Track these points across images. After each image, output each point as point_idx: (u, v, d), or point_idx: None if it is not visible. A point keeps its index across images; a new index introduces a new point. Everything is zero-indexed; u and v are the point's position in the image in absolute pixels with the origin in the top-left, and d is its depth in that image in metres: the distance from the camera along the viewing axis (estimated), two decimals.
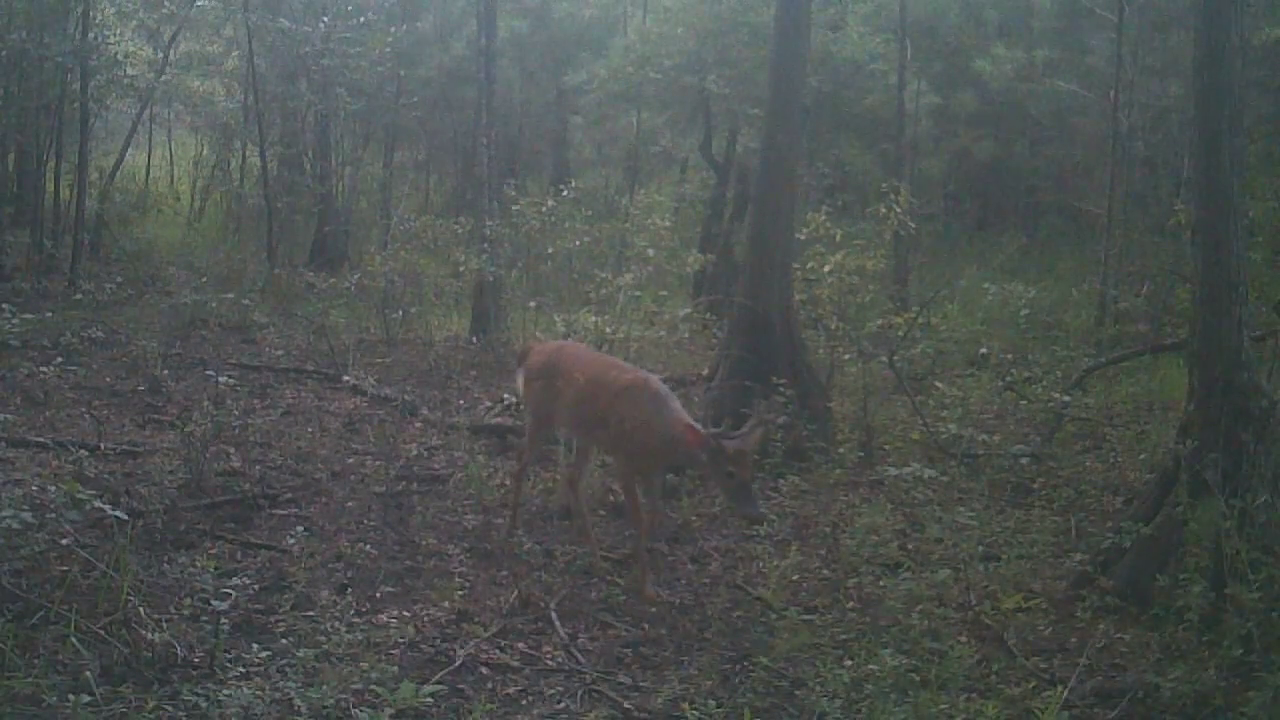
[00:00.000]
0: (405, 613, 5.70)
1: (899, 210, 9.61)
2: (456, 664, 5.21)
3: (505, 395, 9.72)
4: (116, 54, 15.05)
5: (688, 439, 6.00)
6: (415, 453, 8.25)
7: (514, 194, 13.06)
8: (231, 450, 7.93)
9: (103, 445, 7.75)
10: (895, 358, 9.12)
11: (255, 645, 5.07)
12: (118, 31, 16.53)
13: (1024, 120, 16.73)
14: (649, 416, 6.24)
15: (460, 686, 5.03)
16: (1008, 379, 9.46)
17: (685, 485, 7.65)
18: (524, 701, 4.99)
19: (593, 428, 6.57)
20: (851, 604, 5.97)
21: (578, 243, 12.38)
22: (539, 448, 7.27)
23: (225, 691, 4.57)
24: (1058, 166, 16.96)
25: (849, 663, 5.17)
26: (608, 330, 10.22)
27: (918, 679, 4.79)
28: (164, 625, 5.12)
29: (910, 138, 15.06)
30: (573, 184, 14.19)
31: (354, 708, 4.55)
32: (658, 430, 6.19)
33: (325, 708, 4.54)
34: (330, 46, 15.50)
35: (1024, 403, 8.75)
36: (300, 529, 6.55)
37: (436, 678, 5.02)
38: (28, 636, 4.88)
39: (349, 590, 5.87)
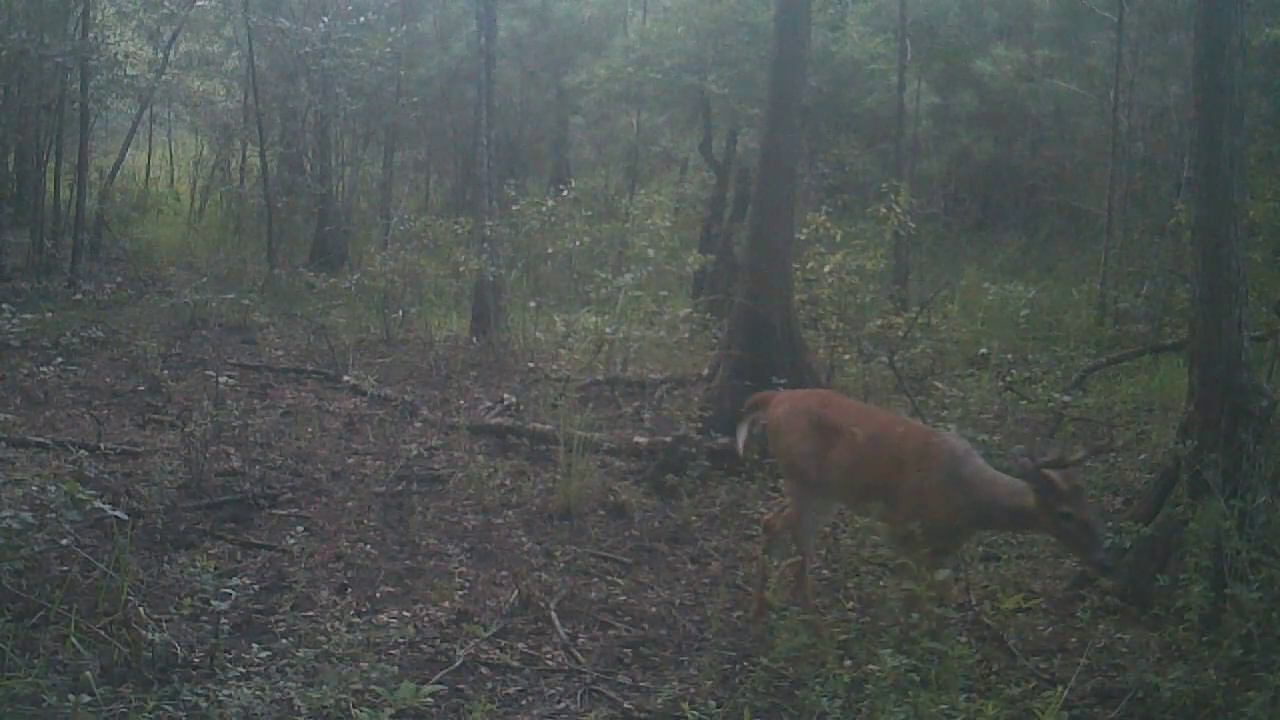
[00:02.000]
0: (405, 613, 5.70)
1: (899, 210, 9.61)
2: (456, 664, 5.21)
3: (505, 395, 9.73)
4: (116, 54, 15.08)
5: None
6: (415, 453, 8.25)
7: (514, 194, 13.07)
8: (231, 450, 7.93)
9: (103, 445, 7.76)
10: (895, 358, 9.11)
11: (255, 645, 5.07)
12: (118, 31, 16.58)
13: (1024, 120, 16.75)
14: (953, 482, 5.22)
15: (460, 686, 5.03)
16: (1008, 379, 9.46)
17: (686, 485, 7.64)
18: (524, 701, 4.99)
19: (872, 498, 5.56)
20: (851, 604, 5.96)
21: (578, 243, 12.40)
22: (815, 527, 6.00)
23: (225, 691, 4.57)
24: (1058, 166, 16.97)
25: (849, 663, 5.17)
26: (608, 330, 10.22)
27: (918, 679, 4.79)
28: (164, 625, 5.12)
29: (910, 138, 15.06)
30: (573, 184, 14.22)
31: (354, 708, 4.54)
32: (963, 498, 5.18)
33: (325, 708, 4.54)
34: (330, 46, 15.51)
35: (1024, 403, 8.74)
36: (300, 529, 6.55)
37: (436, 678, 5.03)
38: (28, 636, 4.88)
39: (349, 590, 5.88)
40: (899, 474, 5.34)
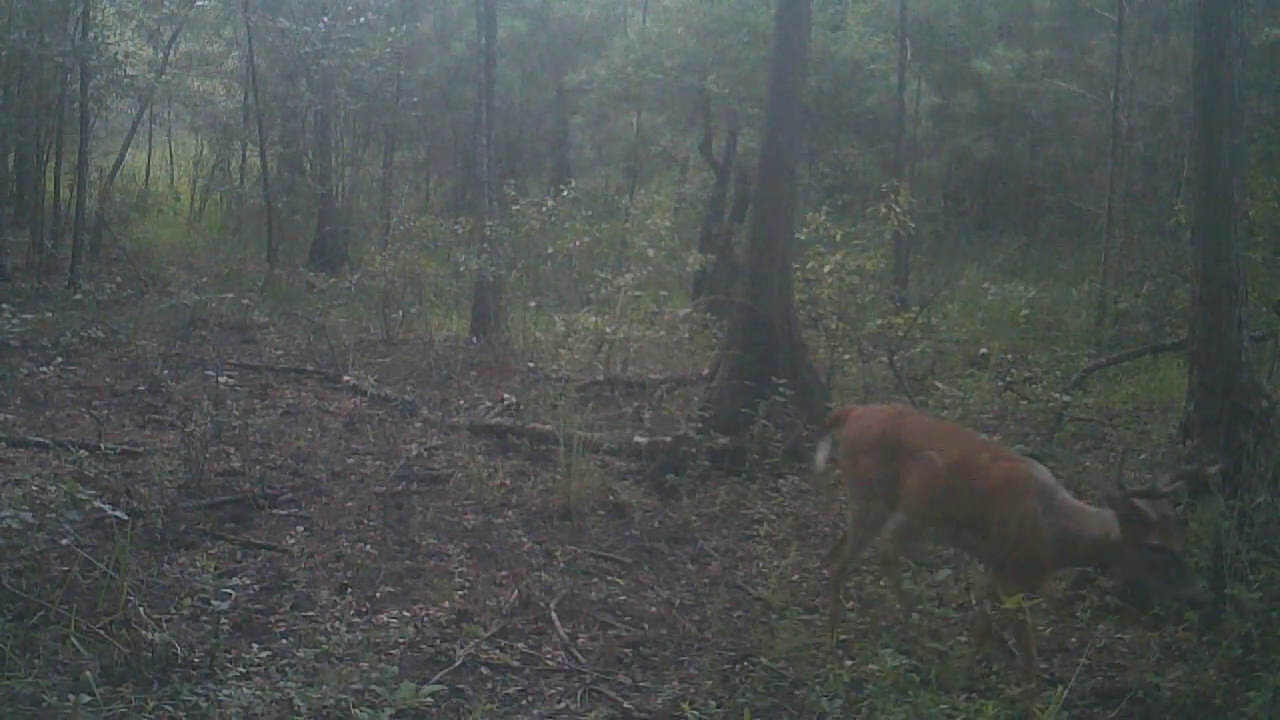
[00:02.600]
0: (405, 613, 5.70)
1: (899, 210, 9.61)
2: (456, 664, 5.21)
3: (505, 395, 9.73)
4: (116, 54, 15.07)
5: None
6: (415, 453, 8.25)
7: (514, 194, 13.07)
8: (231, 450, 7.93)
9: (103, 445, 7.75)
10: (895, 358, 9.11)
11: (255, 645, 5.07)
12: (118, 31, 16.58)
13: (1024, 120, 16.74)
14: (1037, 517, 4.91)
15: (460, 686, 5.03)
16: (1008, 379, 9.46)
17: (686, 485, 7.65)
18: (524, 701, 4.99)
19: (958, 528, 5.29)
20: (851, 604, 5.96)
21: (578, 243, 12.42)
22: (865, 544, 5.72)
23: (225, 691, 4.57)
24: (1058, 166, 16.97)
25: (849, 663, 5.17)
26: (608, 330, 10.22)
27: (918, 679, 4.79)
28: (164, 625, 5.12)
29: (910, 138, 15.06)
30: (573, 184, 14.23)
31: (354, 708, 4.54)
32: (1049, 533, 4.89)
33: (325, 708, 4.54)
34: (330, 46, 15.52)
35: (1024, 403, 8.74)
36: (300, 529, 6.55)
37: (436, 678, 5.02)
38: (28, 636, 4.88)
39: (349, 590, 5.88)
40: (987, 507, 5.04)
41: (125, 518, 5.61)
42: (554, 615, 5.76)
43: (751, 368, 8.49)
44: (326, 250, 16.40)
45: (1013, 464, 5.17)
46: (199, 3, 16.97)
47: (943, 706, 4.60)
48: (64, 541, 5.39)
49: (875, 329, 9.21)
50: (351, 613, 5.55)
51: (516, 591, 5.92)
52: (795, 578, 6.31)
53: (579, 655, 5.42)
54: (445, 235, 12.59)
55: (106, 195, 16.12)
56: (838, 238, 9.27)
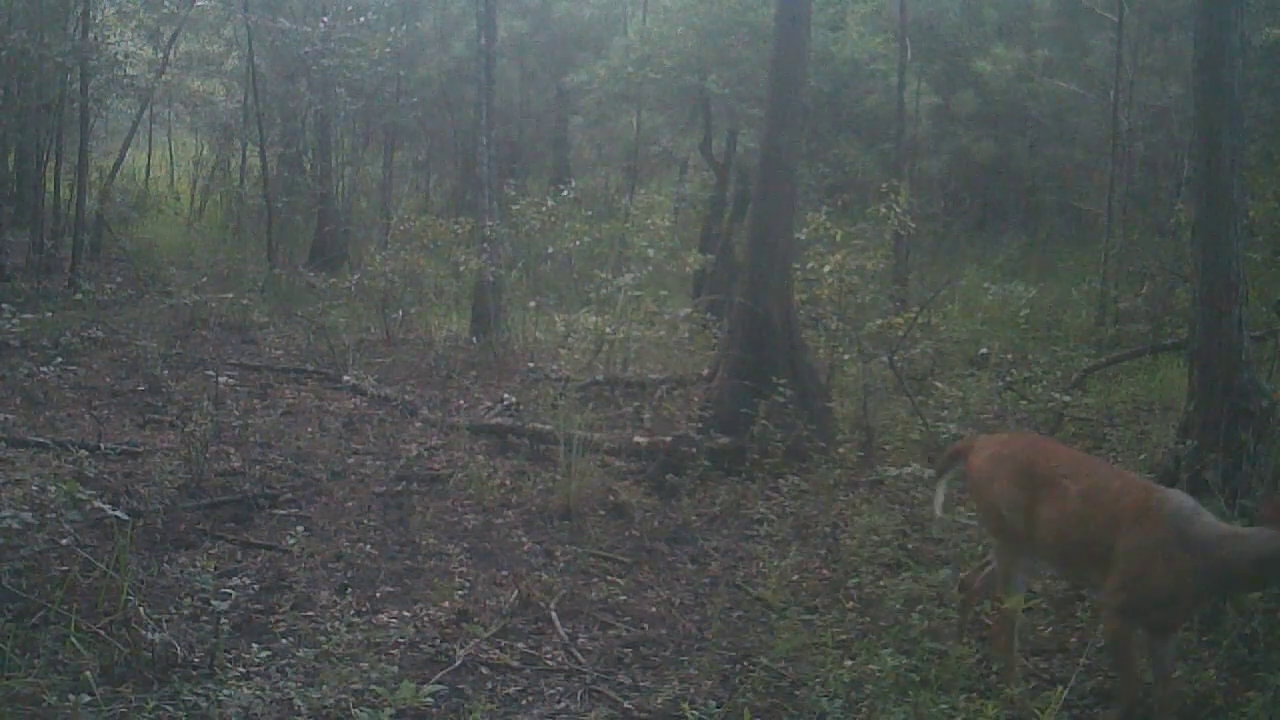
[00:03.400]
0: (405, 613, 5.71)
1: (899, 210, 9.61)
2: (456, 664, 5.21)
3: (505, 395, 9.73)
4: (116, 54, 15.05)
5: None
6: (415, 453, 8.25)
7: (514, 194, 13.06)
8: (231, 450, 7.93)
9: (103, 445, 7.75)
10: (895, 358, 9.11)
11: (255, 645, 5.07)
12: (118, 31, 16.54)
13: (1024, 120, 16.75)
14: (1172, 549, 4.53)
15: (460, 686, 5.03)
16: (1008, 379, 9.47)
17: (686, 485, 7.65)
18: (524, 701, 4.99)
19: (1083, 562, 4.94)
20: (851, 604, 5.96)
21: (578, 243, 12.41)
22: (1021, 585, 5.27)
23: (225, 691, 4.58)
24: (1058, 166, 16.98)
25: (849, 663, 5.17)
26: (608, 330, 10.22)
27: (918, 679, 4.79)
28: (164, 625, 5.11)
29: (910, 138, 15.06)
30: (573, 184, 14.21)
31: (354, 708, 4.54)
32: (1191, 561, 4.49)
33: (325, 708, 4.54)
34: (330, 46, 15.51)
35: (1024, 403, 8.75)
36: (300, 529, 6.55)
37: (436, 678, 5.03)
38: (28, 636, 4.88)
39: (349, 590, 5.88)
40: (1113, 534, 4.70)
41: (125, 518, 5.61)
42: (554, 615, 5.76)
43: (751, 368, 8.49)
44: (326, 250, 16.39)
45: (1148, 491, 4.83)
46: (199, 3, 16.95)
47: (943, 706, 4.60)
48: (64, 541, 5.40)
49: (875, 329, 9.21)
50: (351, 613, 5.55)
51: (516, 591, 5.93)
52: (795, 578, 6.31)
53: (579, 655, 5.42)
54: (445, 235, 12.57)
55: (106, 195, 16.10)
56: (838, 238, 9.27)
